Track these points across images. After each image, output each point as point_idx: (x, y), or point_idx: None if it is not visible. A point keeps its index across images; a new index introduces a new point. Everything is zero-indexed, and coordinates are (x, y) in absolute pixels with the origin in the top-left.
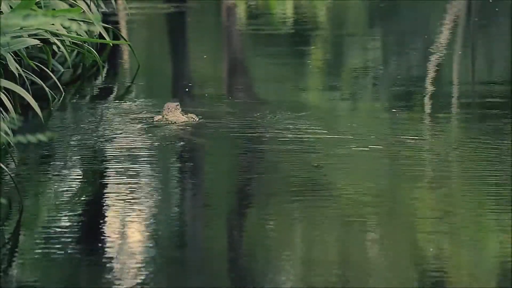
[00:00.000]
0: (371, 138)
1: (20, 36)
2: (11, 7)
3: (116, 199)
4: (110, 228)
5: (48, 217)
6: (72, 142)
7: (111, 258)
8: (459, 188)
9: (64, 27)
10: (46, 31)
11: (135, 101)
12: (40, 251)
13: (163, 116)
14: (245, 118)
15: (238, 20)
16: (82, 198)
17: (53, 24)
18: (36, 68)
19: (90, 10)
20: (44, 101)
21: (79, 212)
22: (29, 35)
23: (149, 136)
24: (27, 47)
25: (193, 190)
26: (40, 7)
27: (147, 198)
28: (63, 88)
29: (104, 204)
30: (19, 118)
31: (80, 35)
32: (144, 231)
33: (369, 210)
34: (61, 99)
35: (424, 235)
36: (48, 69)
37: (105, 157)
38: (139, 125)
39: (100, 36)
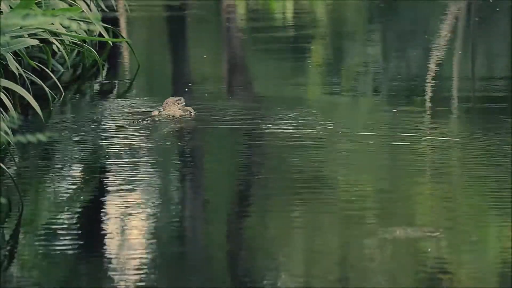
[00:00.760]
0: (371, 134)
1: (20, 36)
2: (11, 7)
3: (116, 199)
4: (110, 227)
5: (48, 216)
6: (72, 142)
7: (111, 258)
8: (460, 184)
9: (63, 26)
10: (45, 30)
11: (135, 101)
12: (40, 251)
13: (159, 112)
14: (245, 115)
15: (237, 19)
16: (82, 197)
17: (52, 24)
18: (36, 67)
19: (90, 9)
20: (44, 101)
21: (79, 211)
22: (29, 35)
23: (149, 134)
24: (27, 47)
25: (193, 188)
26: (40, 7)
27: (148, 197)
28: (63, 87)
29: (104, 204)
30: (19, 117)
31: (80, 34)
32: (144, 231)
33: (370, 206)
34: (61, 98)
35: (424, 233)
36: (48, 69)
37: (105, 156)
38: (140, 124)
39: (100, 35)
